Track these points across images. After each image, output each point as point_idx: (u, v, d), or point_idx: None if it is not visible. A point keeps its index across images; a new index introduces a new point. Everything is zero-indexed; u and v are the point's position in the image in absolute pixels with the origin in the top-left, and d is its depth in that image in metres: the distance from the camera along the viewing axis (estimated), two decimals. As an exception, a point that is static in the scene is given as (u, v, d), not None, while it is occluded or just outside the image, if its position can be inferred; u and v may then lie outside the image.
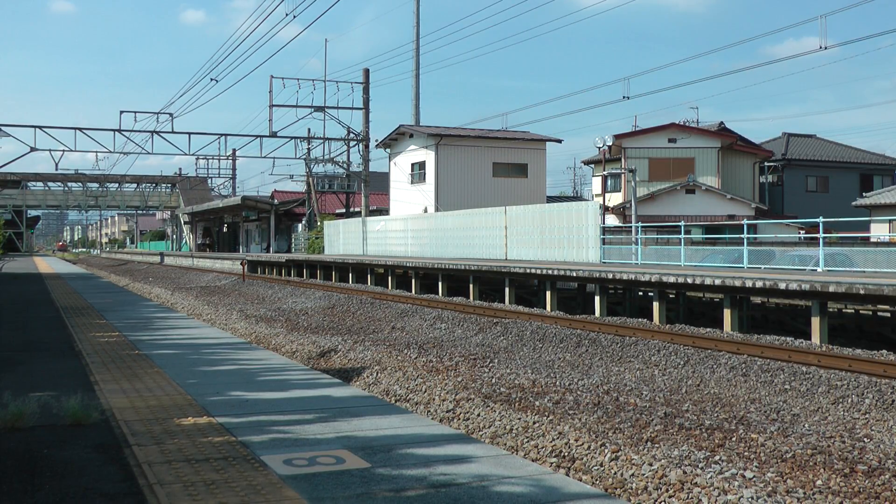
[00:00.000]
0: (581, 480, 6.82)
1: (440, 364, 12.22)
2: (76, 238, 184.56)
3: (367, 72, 40.19)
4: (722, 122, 42.14)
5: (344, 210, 48.57)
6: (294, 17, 24.47)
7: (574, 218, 21.92)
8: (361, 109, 40.02)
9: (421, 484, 4.13)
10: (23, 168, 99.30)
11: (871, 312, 16.49)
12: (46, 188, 78.82)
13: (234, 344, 10.19)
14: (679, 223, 20.27)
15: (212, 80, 47.32)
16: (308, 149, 42.82)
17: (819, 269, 16.26)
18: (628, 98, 54.03)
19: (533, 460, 7.38)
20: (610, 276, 16.94)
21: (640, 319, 16.64)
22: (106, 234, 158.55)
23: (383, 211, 44.20)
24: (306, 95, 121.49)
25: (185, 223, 79.76)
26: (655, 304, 16.10)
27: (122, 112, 36.91)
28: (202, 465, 4.46)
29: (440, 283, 23.88)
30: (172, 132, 37.87)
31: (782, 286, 13.28)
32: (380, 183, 49.01)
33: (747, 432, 7.91)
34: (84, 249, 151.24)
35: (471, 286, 22.27)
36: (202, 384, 6.97)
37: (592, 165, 45.51)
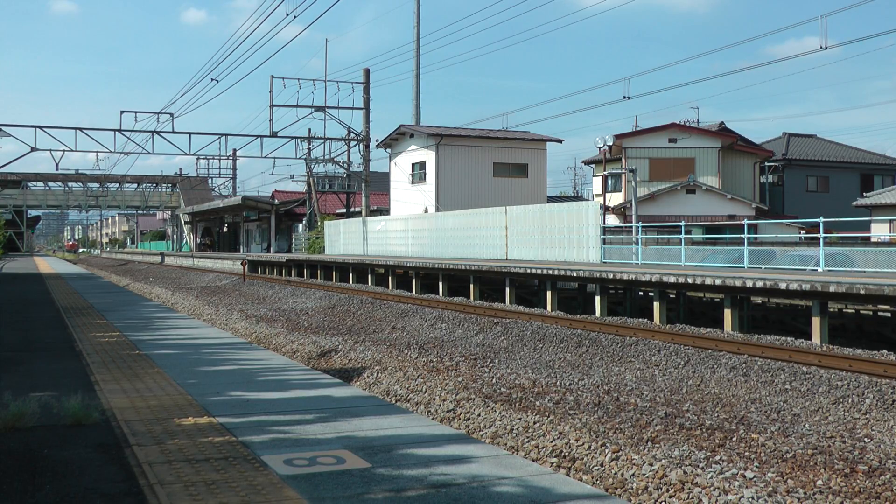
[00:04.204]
0: (581, 480, 6.82)
1: (441, 364, 12.22)
2: (77, 238, 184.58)
3: (367, 72, 40.19)
4: (722, 122, 42.13)
5: (344, 210, 48.57)
6: (294, 17, 24.45)
7: (574, 218, 21.92)
8: (362, 109, 40.00)
9: (421, 484, 4.13)
10: (23, 168, 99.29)
11: (871, 312, 16.48)
12: (47, 188, 78.79)
13: (235, 344, 10.19)
14: (679, 223, 20.26)
15: (212, 80, 47.18)
16: (308, 149, 42.80)
17: (819, 269, 16.26)
18: (629, 98, 54.02)
19: (533, 460, 7.38)
20: (610, 276, 16.94)
21: (640, 319, 16.64)
22: (106, 234, 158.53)
23: (384, 211, 44.19)
24: (307, 95, 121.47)
25: (185, 223, 79.76)
26: (656, 304, 16.09)
27: (122, 112, 36.89)
28: (203, 465, 4.47)
29: (441, 283, 23.88)
30: (173, 132, 37.82)
31: (783, 286, 13.27)
32: (380, 183, 49.00)
33: (748, 432, 7.91)
34: (84, 249, 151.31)
35: (471, 286, 22.26)
36: (202, 384, 6.97)
37: (593, 165, 45.50)
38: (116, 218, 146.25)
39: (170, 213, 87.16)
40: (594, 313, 17.57)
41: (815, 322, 12.86)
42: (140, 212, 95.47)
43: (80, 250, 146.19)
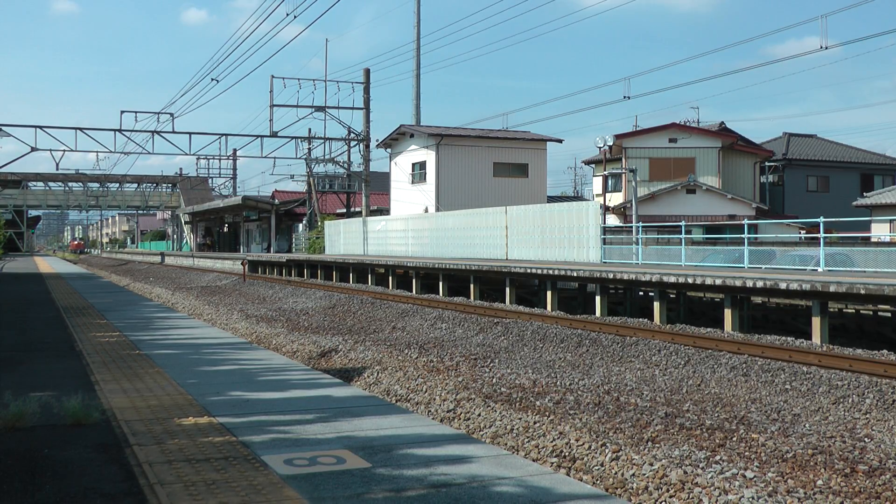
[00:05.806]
0: (582, 480, 6.82)
1: (441, 364, 12.22)
2: (79, 237, 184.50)
3: (367, 72, 40.18)
4: (722, 122, 42.12)
5: (345, 210, 48.57)
6: (295, 17, 24.46)
7: (575, 218, 21.91)
8: (362, 109, 40.00)
9: (421, 484, 4.13)
10: (24, 168, 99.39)
11: (871, 312, 16.48)
12: (47, 188, 78.81)
13: (235, 344, 10.19)
14: (680, 223, 20.26)
15: (213, 80, 47.05)
16: (309, 149, 42.80)
17: (820, 269, 16.25)
18: (629, 98, 54.07)
19: (534, 460, 7.38)
20: (611, 276, 16.94)
21: (640, 319, 16.63)
22: (107, 233, 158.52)
23: (384, 211, 44.19)
24: (307, 95, 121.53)
25: (185, 223, 79.75)
26: (656, 304, 16.09)
27: (122, 112, 36.88)
28: (203, 464, 4.47)
29: (441, 283, 23.88)
30: (173, 132, 37.80)
31: (783, 286, 13.27)
32: (380, 183, 49.01)
33: (748, 432, 7.91)
34: (86, 249, 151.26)
35: (471, 286, 22.26)
36: (203, 384, 6.97)
37: (593, 165, 45.49)
38: (116, 218, 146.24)
39: (170, 213, 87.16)
40: (594, 313, 17.57)
41: (816, 322, 12.86)
42: (140, 212, 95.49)
43: (85, 250, 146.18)
